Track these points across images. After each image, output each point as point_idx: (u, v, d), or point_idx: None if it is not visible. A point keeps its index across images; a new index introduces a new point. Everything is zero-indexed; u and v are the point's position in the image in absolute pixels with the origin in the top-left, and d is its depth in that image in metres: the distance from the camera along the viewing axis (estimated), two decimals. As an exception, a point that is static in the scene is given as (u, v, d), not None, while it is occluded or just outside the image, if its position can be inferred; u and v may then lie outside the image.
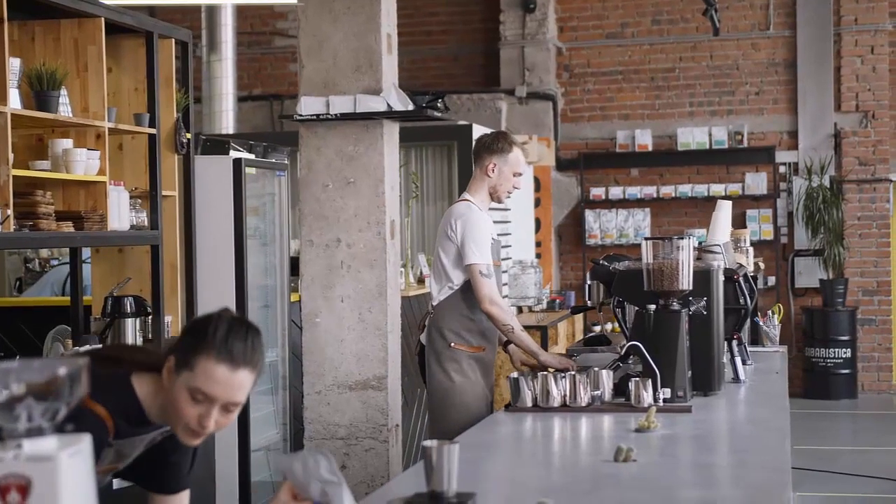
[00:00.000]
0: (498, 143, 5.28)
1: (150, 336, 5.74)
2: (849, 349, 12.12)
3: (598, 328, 10.93)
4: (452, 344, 5.16)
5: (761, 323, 6.39)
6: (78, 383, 1.84)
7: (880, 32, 12.46)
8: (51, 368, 1.83)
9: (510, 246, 10.81)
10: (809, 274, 12.49)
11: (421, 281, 8.03)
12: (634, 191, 12.77)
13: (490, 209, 5.32)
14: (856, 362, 12.21)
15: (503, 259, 5.91)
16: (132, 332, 5.63)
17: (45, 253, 8.66)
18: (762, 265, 11.03)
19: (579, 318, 11.22)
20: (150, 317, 5.73)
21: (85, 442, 1.83)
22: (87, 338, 5.49)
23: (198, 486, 2.99)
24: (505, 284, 9.84)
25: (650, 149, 12.78)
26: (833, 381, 12.10)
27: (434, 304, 5.26)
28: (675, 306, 4.42)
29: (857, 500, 7.93)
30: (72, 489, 1.78)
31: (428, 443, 2.72)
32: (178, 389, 2.55)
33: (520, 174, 5.32)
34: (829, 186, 12.22)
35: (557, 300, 11.13)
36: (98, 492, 2.72)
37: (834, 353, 12.09)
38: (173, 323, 5.99)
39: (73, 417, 2.41)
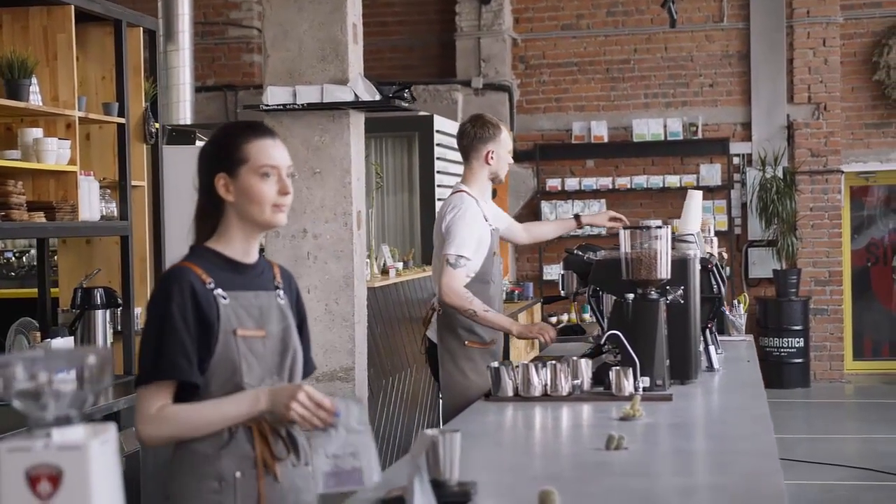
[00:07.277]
0: (488, 129, 5.26)
1: (119, 328, 5.67)
2: (801, 339, 12.26)
3: (565, 318, 10.99)
4: (467, 342, 5.14)
5: (728, 313, 6.44)
6: (105, 371, 1.83)
7: (832, 25, 12.60)
8: (78, 357, 1.81)
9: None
10: (763, 264, 12.62)
11: (385, 272, 8.00)
12: (590, 182, 12.81)
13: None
14: (808, 351, 12.35)
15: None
16: (102, 323, 5.55)
17: (22, 243, 8.51)
18: (726, 255, 11.09)
19: (537, 308, 11.27)
20: (119, 308, 5.67)
21: (111, 431, 1.81)
22: (56, 330, 5.41)
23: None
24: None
25: (606, 140, 12.83)
26: (786, 370, 12.23)
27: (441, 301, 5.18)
28: (654, 295, 4.44)
29: (811, 488, 8.01)
30: (102, 477, 1.76)
31: (430, 431, 2.73)
32: (247, 184, 2.79)
33: (510, 150, 5.37)
34: (782, 178, 12.32)
35: (516, 291, 11.17)
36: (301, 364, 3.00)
37: (787, 342, 12.23)
38: (143, 315, 5.92)
39: (163, 278, 2.80)
